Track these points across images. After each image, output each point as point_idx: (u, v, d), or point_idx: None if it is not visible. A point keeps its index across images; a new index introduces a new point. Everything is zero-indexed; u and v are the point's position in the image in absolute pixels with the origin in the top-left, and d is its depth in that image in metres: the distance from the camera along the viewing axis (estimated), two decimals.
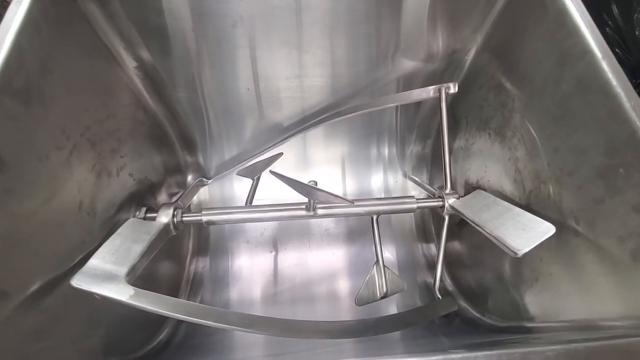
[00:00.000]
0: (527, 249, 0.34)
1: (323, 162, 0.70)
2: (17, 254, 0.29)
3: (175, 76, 0.51)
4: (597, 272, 0.31)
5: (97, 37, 0.41)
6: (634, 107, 0.26)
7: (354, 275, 0.64)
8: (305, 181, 0.37)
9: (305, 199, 0.46)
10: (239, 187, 0.69)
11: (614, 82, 0.28)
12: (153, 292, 0.34)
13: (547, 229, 0.34)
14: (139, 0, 0.41)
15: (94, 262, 0.35)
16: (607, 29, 0.84)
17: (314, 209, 0.47)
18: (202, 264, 0.63)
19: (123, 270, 0.36)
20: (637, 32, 0.82)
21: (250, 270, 0.64)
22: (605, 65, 0.29)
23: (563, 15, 0.32)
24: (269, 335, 0.41)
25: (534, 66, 0.37)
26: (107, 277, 0.34)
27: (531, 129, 0.38)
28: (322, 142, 0.68)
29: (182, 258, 0.62)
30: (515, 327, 0.43)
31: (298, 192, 0.38)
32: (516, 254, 0.34)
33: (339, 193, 0.69)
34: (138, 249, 0.40)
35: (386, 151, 0.69)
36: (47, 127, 0.32)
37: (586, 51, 0.30)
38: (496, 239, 0.37)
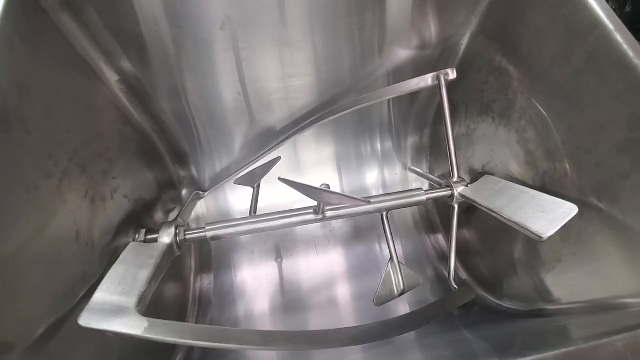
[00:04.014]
0: (552, 232, 0.33)
1: (317, 164, 0.68)
2: (15, 299, 0.26)
3: (159, 87, 0.48)
4: (625, 248, 0.31)
5: (74, 50, 0.38)
6: None
7: (364, 274, 0.62)
8: (317, 185, 0.35)
9: (313, 202, 0.45)
10: (237, 196, 0.67)
11: (630, 53, 0.27)
12: (167, 321, 0.32)
13: (569, 209, 0.34)
14: (114, 7, 0.38)
15: (99, 295, 0.33)
16: None
17: (323, 212, 0.46)
18: (207, 281, 0.61)
19: (132, 300, 0.33)
20: (610, 4, 0.84)
21: (257, 281, 0.61)
22: (619, 37, 0.28)
23: None
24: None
25: (539, 44, 0.36)
26: (117, 311, 0.31)
27: (540, 108, 0.37)
28: (313, 143, 0.66)
29: (185, 277, 0.59)
30: (538, 311, 0.42)
31: (310, 197, 0.36)
32: (541, 237, 0.33)
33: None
34: (144, 275, 0.37)
35: (379, 146, 0.68)
36: (32, 154, 0.29)
37: (596, 24, 0.29)
38: (516, 224, 0.36)
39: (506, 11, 0.40)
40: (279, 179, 0.35)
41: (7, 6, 0.28)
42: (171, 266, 0.44)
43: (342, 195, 0.35)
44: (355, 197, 0.35)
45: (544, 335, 0.30)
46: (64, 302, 0.31)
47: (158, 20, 0.40)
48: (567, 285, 0.38)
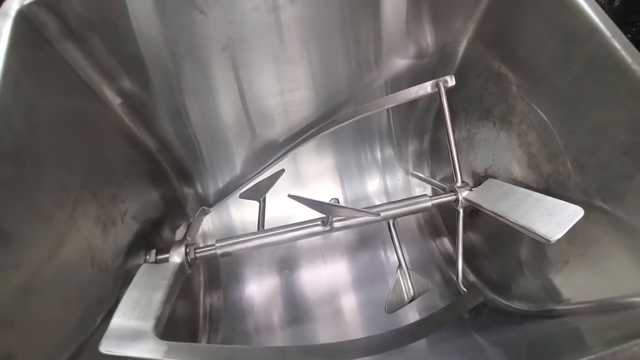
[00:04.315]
0: (559, 235, 0.33)
1: (318, 175, 0.69)
2: (36, 329, 0.26)
3: (162, 108, 0.49)
4: (632, 248, 0.31)
5: (78, 77, 0.38)
6: None
7: (370, 282, 0.63)
8: (327, 200, 0.35)
9: (316, 213, 0.45)
10: (241, 210, 0.67)
11: (628, 59, 0.28)
12: (186, 343, 0.32)
13: (575, 212, 0.34)
14: (115, 33, 0.38)
15: (117, 321, 0.33)
16: None
17: (331, 224, 0.46)
18: (216, 297, 0.61)
19: (149, 324, 0.34)
20: None
21: (266, 294, 0.62)
22: (616, 44, 0.29)
23: None
24: None
25: (536, 50, 0.37)
26: (135, 336, 0.32)
27: (541, 113, 0.38)
28: (313, 155, 0.67)
29: (194, 294, 0.59)
30: (548, 311, 0.43)
31: (321, 212, 0.36)
32: (549, 241, 0.34)
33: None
34: (158, 297, 0.38)
35: (379, 154, 0.68)
36: (46, 185, 0.29)
37: (593, 30, 0.30)
38: (524, 228, 0.37)
39: (502, 17, 0.41)
40: (289, 195, 0.35)
41: (12, 41, 0.29)
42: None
43: (352, 209, 0.35)
44: (365, 210, 0.35)
45: (559, 341, 0.31)
46: (83, 328, 0.31)
47: (157, 43, 0.40)
48: (575, 286, 0.39)
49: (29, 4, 0.30)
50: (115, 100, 0.44)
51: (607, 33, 0.29)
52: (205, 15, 0.36)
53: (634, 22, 0.92)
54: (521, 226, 0.37)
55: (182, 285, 0.55)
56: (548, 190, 0.40)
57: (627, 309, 0.31)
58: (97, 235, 0.35)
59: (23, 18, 0.29)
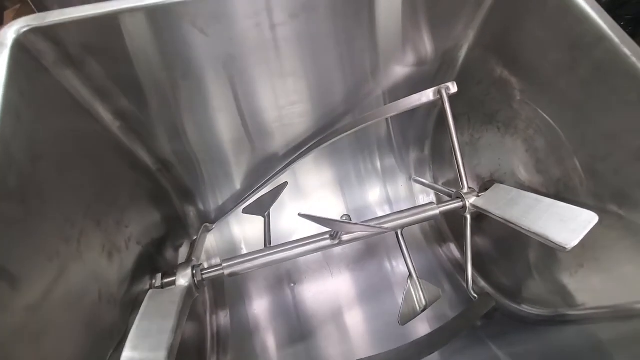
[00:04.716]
0: (575, 242, 0.33)
1: (319, 188, 0.68)
2: None
3: (160, 127, 0.48)
4: None
5: (77, 103, 0.37)
6: None
7: (377, 294, 0.62)
8: (338, 217, 0.35)
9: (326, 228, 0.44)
10: (242, 225, 0.66)
11: (639, 65, 0.28)
12: None
13: (590, 218, 0.34)
14: (112, 56, 0.37)
15: (129, 354, 0.32)
16: None
17: (339, 237, 0.45)
18: (222, 315, 0.60)
19: (162, 354, 0.33)
20: None
21: (273, 311, 0.60)
22: (626, 50, 0.28)
23: (566, 4, 0.32)
24: None
25: (540, 55, 0.37)
26: None
27: (548, 118, 0.37)
28: (312, 167, 0.66)
29: (200, 314, 0.58)
30: (562, 316, 0.43)
31: (333, 229, 0.36)
32: (565, 248, 0.34)
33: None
34: (169, 324, 0.36)
35: (378, 163, 0.68)
36: (50, 220, 0.28)
37: (601, 38, 0.30)
38: (537, 235, 0.37)
39: (503, 23, 0.41)
40: (299, 214, 0.34)
41: (10, 71, 0.28)
42: None
43: (364, 225, 0.34)
44: (377, 226, 0.35)
45: (581, 353, 0.30)
46: None
47: (154, 64, 0.39)
48: (590, 290, 0.38)
49: (26, 32, 0.29)
50: (114, 123, 0.43)
51: (616, 40, 0.29)
52: (205, 35, 0.35)
53: (622, 16, 0.94)
54: (535, 233, 0.37)
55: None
56: (558, 195, 0.39)
57: None
58: (103, 265, 0.34)
59: (20, 47, 0.28)
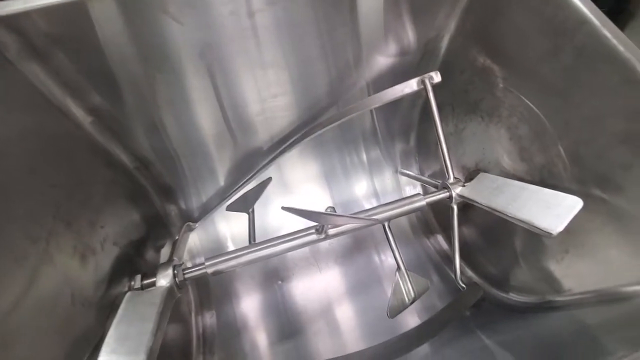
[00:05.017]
0: (561, 228, 0.33)
1: (304, 181, 0.67)
2: None
3: (136, 123, 0.46)
4: (634, 237, 0.31)
5: (44, 98, 0.35)
6: None
7: (366, 287, 0.61)
8: (323, 209, 0.34)
9: (313, 222, 0.43)
10: (227, 223, 0.65)
11: (620, 48, 0.28)
12: None
13: (574, 203, 0.34)
14: (80, 48, 0.35)
15: (105, 359, 0.30)
16: None
17: (325, 232, 0.44)
18: (209, 315, 0.58)
19: (140, 358, 0.31)
20: None
21: (260, 309, 0.59)
22: (607, 33, 0.28)
23: None
24: None
25: (522, 43, 0.36)
26: None
27: (531, 105, 0.37)
28: (298, 161, 0.65)
29: (185, 315, 0.56)
30: (549, 302, 0.43)
31: (317, 222, 0.35)
32: (550, 234, 0.33)
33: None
34: (148, 327, 0.35)
35: (364, 155, 0.67)
36: (15, 220, 0.26)
37: (583, 22, 0.30)
38: (523, 222, 0.36)
39: (484, 12, 0.40)
40: (283, 208, 0.33)
41: None
42: None
43: (349, 216, 0.34)
44: (363, 217, 0.34)
45: (568, 338, 0.30)
46: None
47: (127, 56, 0.38)
48: (576, 276, 0.39)
49: None
50: (86, 119, 0.41)
51: (597, 23, 0.29)
52: (179, 23, 0.34)
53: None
54: (520, 220, 0.37)
55: (173, 309, 0.53)
56: (543, 182, 0.39)
57: (631, 298, 0.31)
58: (75, 268, 0.32)
59: None
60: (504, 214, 0.39)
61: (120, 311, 0.36)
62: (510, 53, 0.38)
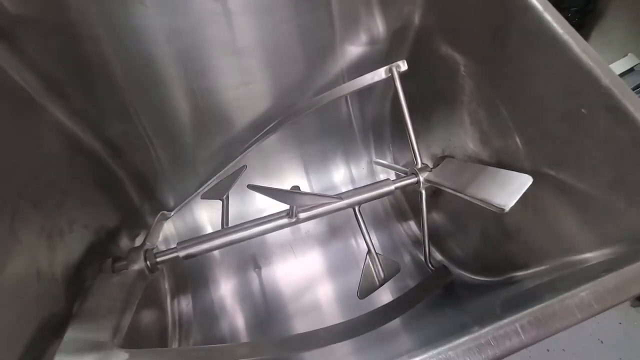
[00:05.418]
0: (512, 203, 0.35)
1: (283, 168, 0.68)
2: None
3: (108, 108, 0.46)
4: (579, 208, 0.33)
5: (11, 79, 0.35)
6: (584, 50, 0.28)
7: (344, 271, 0.63)
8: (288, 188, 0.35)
9: (284, 207, 0.45)
10: (205, 212, 0.65)
11: (560, 31, 0.30)
12: (149, 349, 0.31)
13: (525, 180, 0.36)
14: (49, 29, 0.36)
15: (71, 334, 0.31)
16: None
17: (296, 215, 0.45)
18: (185, 302, 0.59)
19: (107, 334, 0.32)
20: None
21: (238, 294, 0.60)
22: (549, 17, 0.30)
23: None
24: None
25: (477, 31, 0.38)
26: (93, 347, 0.30)
27: (487, 90, 0.39)
28: (277, 147, 0.66)
29: (161, 301, 0.57)
30: (510, 278, 0.45)
31: (282, 201, 0.36)
32: (503, 209, 0.35)
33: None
34: (117, 306, 0.35)
35: (342, 144, 0.69)
36: None
37: (526, 7, 0.32)
38: (480, 200, 0.38)
39: (445, 3, 0.42)
40: (248, 186, 0.34)
41: None
42: (144, 293, 0.42)
43: (314, 195, 0.35)
44: (327, 195, 0.35)
45: (517, 299, 0.32)
46: (35, 346, 0.29)
47: (96, 38, 0.38)
48: (532, 250, 0.41)
49: None
50: (55, 103, 0.41)
51: (539, 7, 0.31)
52: (144, 5, 0.35)
53: (568, 8, 0.99)
54: (477, 199, 0.39)
55: (147, 295, 0.53)
56: (501, 163, 0.41)
57: (580, 264, 0.33)
58: (41, 246, 0.32)
59: None
60: (464, 195, 0.41)
61: (90, 291, 0.37)
62: (467, 41, 0.40)
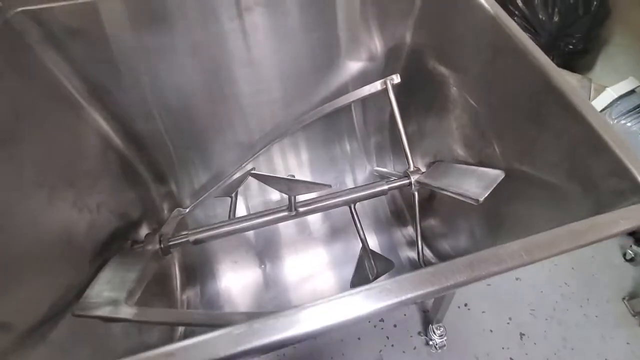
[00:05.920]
0: (485, 195, 0.38)
1: (291, 171, 0.73)
2: (17, 288, 0.29)
3: (136, 112, 0.53)
4: (547, 197, 0.36)
5: (60, 82, 0.42)
6: (538, 56, 0.33)
7: (345, 269, 0.66)
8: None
9: (286, 202, 0.49)
10: (216, 212, 0.71)
11: (521, 40, 0.34)
12: (157, 308, 0.35)
13: (497, 175, 0.39)
14: (92, 41, 0.43)
15: (91, 292, 0.36)
16: (515, 18, 0.97)
17: (296, 208, 0.50)
18: (193, 294, 0.63)
19: (122, 295, 0.37)
20: (540, 16, 0.96)
21: (243, 289, 0.64)
22: (510, 28, 0.35)
23: (470, 4, 0.39)
24: None
25: (459, 46, 0.43)
26: (108, 303, 0.35)
27: (467, 97, 0.44)
28: (286, 151, 0.71)
29: (171, 293, 0.61)
30: None
31: (278, 189, 0.41)
32: (478, 200, 0.39)
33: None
34: (132, 276, 0.40)
35: (348, 149, 0.73)
36: (25, 168, 0.33)
37: (493, 22, 0.36)
38: (460, 195, 0.42)
39: (433, 24, 0.48)
40: (250, 173, 0.40)
41: None
42: (157, 283, 0.47)
43: (308, 182, 0.39)
44: (320, 183, 0.40)
45: None
46: (61, 296, 0.34)
47: (130, 49, 0.45)
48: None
49: (15, 14, 0.35)
50: (94, 106, 0.48)
51: (502, 20, 0.35)
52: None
53: (572, 34, 1.03)
54: (458, 194, 0.42)
55: (158, 285, 0.58)
56: (482, 163, 0.45)
57: None
58: (73, 217, 0.38)
59: (5, 24, 0.34)
60: (447, 191, 0.45)
61: (109, 263, 0.42)
62: (453, 55, 0.45)
